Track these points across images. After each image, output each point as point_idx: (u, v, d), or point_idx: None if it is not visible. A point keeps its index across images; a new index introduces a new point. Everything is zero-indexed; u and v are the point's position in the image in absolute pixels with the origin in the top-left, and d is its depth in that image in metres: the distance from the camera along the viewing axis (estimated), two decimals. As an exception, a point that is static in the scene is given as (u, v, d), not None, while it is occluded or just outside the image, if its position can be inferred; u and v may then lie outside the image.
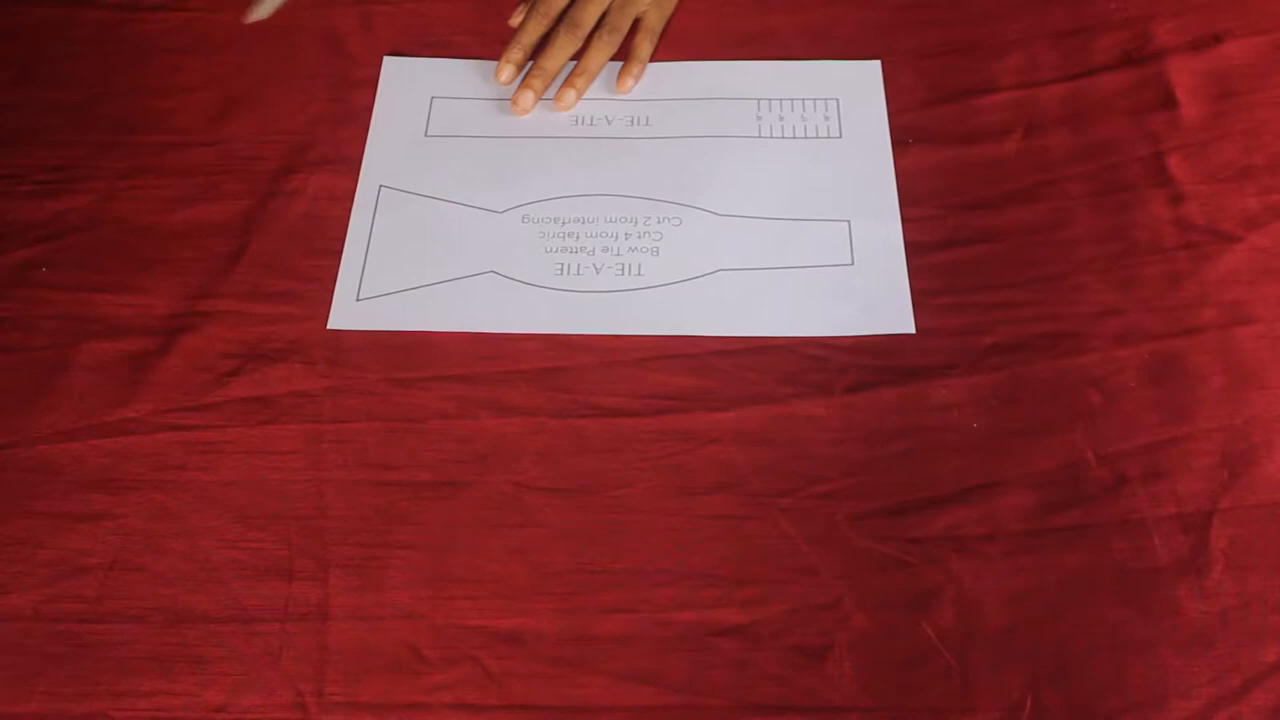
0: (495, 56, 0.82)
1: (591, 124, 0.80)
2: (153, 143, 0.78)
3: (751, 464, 0.64)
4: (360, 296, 0.71)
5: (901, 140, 0.77)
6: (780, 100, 0.80)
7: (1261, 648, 0.58)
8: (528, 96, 0.79)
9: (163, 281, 0.71)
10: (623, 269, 0.72)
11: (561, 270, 0.72)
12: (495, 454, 0.65)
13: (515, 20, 0.83)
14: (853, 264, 0.71)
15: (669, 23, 0.84)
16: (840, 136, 0.78)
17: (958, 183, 0.74)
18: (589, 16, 0.81)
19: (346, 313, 0.70)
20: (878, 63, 0.81)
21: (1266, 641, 0.58)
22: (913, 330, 0.68)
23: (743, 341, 0.69)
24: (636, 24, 0.83)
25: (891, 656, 0.58)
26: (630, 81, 0.81)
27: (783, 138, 0.78)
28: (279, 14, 0.82)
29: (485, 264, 0.73)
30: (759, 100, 0.80)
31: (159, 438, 0.65)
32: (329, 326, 0.69)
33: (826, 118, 0.79)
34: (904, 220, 0.73)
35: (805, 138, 0.78)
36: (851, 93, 0.80)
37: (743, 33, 0.84)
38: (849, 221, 0.73)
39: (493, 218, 0.75)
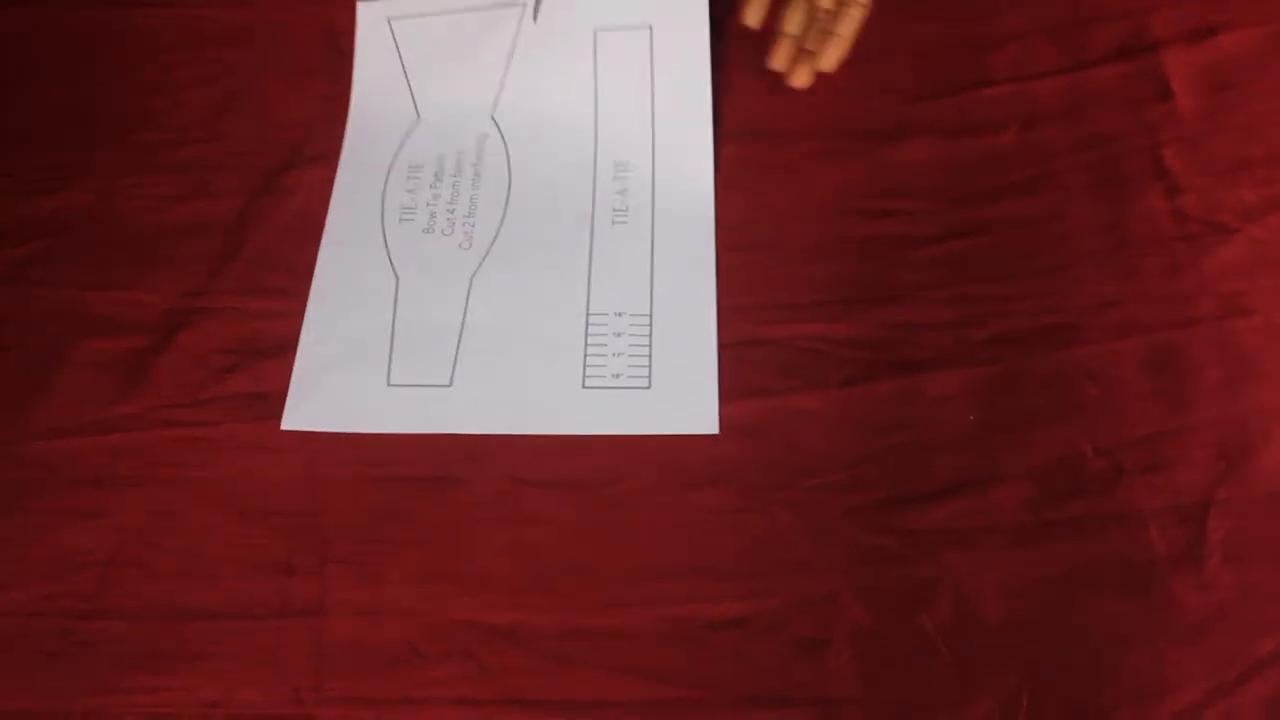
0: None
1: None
2: (149, 140, 0.78)
3: (748, 457, 0.64)
4: None
5: (898, 134, 0.76)
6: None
7: (1259, 639, 0.58)
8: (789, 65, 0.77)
9: (159, 278, 0.71)
10: None
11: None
12: (492, 449, 0.65)
13: (752, 18, 0.78)
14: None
15: None
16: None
17: (955, 176, 0.74)
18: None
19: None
20: None
21: (1264, 633, 0.58)
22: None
23: (736, 334, 0.68)
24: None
25: (889, 649, 0.58)
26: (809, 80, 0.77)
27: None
28: (277, 11, 0.82)
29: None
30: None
31: (156, 434, 0.65)
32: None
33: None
34: (901, 214, 0.73)
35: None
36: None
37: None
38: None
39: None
